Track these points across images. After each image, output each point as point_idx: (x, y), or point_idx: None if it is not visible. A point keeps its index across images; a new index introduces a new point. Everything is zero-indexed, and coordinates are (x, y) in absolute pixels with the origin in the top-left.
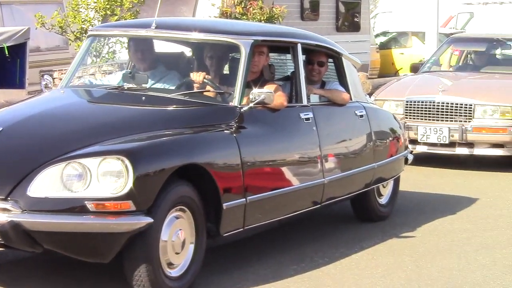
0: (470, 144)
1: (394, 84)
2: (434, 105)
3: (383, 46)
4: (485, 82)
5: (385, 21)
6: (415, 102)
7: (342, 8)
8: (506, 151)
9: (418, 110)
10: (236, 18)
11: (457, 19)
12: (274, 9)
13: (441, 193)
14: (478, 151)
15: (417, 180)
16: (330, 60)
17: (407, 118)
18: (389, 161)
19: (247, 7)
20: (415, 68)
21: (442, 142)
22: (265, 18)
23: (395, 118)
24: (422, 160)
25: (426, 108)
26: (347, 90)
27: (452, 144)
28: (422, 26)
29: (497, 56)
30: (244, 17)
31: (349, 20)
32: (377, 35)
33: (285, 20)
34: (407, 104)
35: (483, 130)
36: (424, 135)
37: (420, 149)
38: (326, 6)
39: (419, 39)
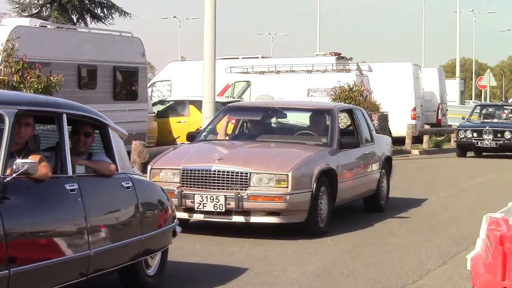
0: (247, 212)
1: (170, 153)
2: (210, 174)
3: (161, 115)
4: (260, 151)
5: (163, 89)
6: (191, 171)
7: (119, 77)
8: (282, 218)
9: (194, 179)
10: (13, 86)
11: (233, 87)
12: (51, 77)
13: (217, 262)
14: (254, 219)
15: (193, 249)
16: (97, 131)
17: (183, 186)
18: (157, 233)
19: (25, 75)
20: (191, 137)
21: (218, 210)
22: (42, 86)
23: (162, 190)
24: (199, 228)
25: (202, 176)
26: (114, 161)
27: (228, 212)
28: (199, 94)
29: (272, 124)
30: (22, 85)
31: (127, 88)
32: (154, 104)
33: (62, 89)
34: (183, 173)
35: (259, 198)
36: (200, 203)
37: (197, 217)
38: (103, 75)
39: (196, 108)
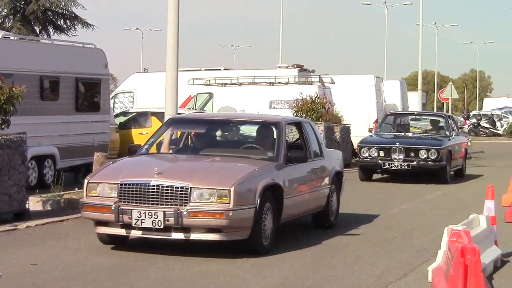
0: (187, 229)
1: (109, 167)
2: (149, 189)
3: (123, 126)
4: (203, 165)
5: (126, 101)
6: (129, 185)
7: (82, 88)
8: (223, 236)
9: (132, 194)
10: None
11: (196, 99)
12: (13, 88)
13: (177, 276)
14: (195, 236)
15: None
16: None
17: (121, 202)
18: None
19: None
20: (132, 150)
21: (157, 226)
22: (5, 98)
23: None
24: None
25: (140, 191)
26: None
27: (167, 229)
28: (161, 106)
29: (217, 137)
30: None
31: (89, 100)
32: (117, 115)
33: (25, 100)
34: (121, 188)
35: (200, 214)
36: (138, 219)
37: (135, 234)
38: (65, 86)
39: (158, 120)
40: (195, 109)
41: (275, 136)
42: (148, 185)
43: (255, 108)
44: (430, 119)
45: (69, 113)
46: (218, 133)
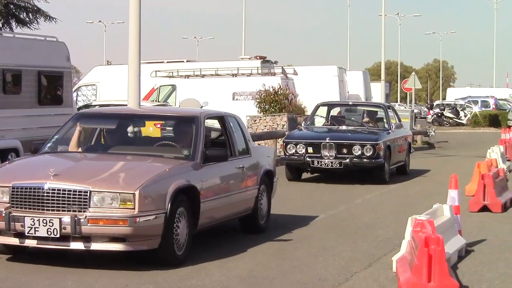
0: (87, 238)
1: (3, 167)
2: (43, 193)
3: None
4: (107, 165)
5: (89, 93)
6: (22, 188)
7: (44, 81)
8: (128, 245)
9: (25, 198)
10: None
11: (159, 91)
12: None
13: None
14: (96, 246)
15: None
16: None
17: (13, 207)
18: None
19: None
20: (35, 148)
21: (53, 235)
22: None
23: None
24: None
25: (34, 195)
26: None
27: (65, 238)
28: (124, 98)
29: (129, 134)
30: None
31: (52, 93)
32: (80, 108)
33: None
34: (13, 191)
35: (101, 221)
36: (32, 227)
37: (30, 243)
38: (28, 79)
39: None
40: (158, 101)
41: (192, 132)
42: (42, 189)
43: (218, 100)
44: (367, 110)
45: (31, 106)
46: (130, 129)
